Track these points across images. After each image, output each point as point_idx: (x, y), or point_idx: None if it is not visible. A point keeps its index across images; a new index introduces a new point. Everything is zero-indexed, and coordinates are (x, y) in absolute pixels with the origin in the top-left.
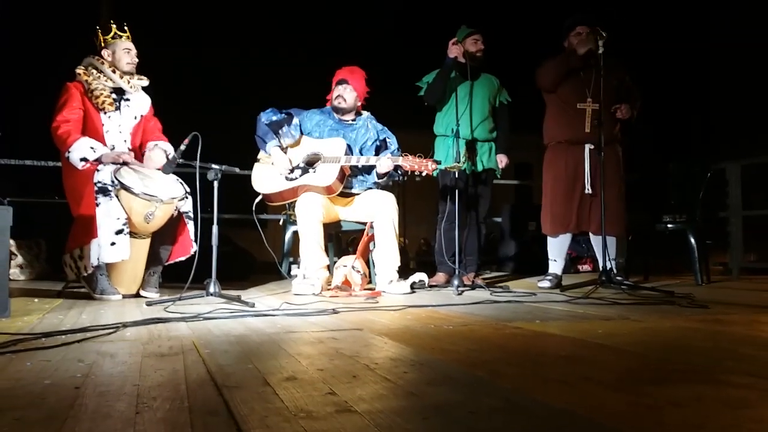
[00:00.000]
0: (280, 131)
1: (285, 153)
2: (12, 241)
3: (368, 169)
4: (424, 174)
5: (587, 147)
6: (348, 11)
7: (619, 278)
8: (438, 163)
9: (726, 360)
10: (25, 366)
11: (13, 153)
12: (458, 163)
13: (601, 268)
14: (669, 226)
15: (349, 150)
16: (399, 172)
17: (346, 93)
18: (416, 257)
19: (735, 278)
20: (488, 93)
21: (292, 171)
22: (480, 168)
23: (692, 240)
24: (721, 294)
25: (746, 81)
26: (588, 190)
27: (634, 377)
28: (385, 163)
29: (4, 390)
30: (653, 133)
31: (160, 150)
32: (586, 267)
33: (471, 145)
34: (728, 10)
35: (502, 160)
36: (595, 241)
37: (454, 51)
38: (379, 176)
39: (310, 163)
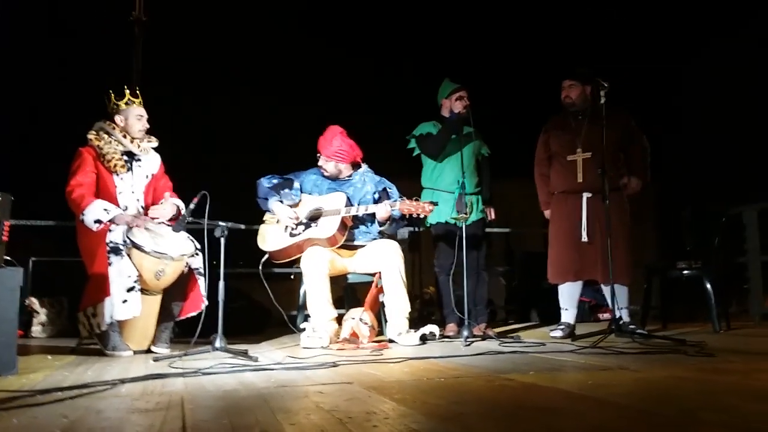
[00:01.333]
0: (281, 192)
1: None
2: (35, 299)
3: (370, 220)
4: (421, 216)
5: (585, 196)
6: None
7: (632, 326)
8: (435, 204)
9: (706, 411)
10: (11, 423)
11: (39, 214)
12: (465, 214)
13: (611, 317)
14: (685, 272)
15: (349, 203)
16: (398, 215)
17: (326, 165)
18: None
19: (757, 324)
20: (473, 147)
21: (295, 227)
22: (473, 219)
23: (708, 286)
24: (735, 341)
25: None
26: (584, 238)
27: (604, 429)
28: (382, 209)
29: None
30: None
31: (172, 204)
32: (606, 315)
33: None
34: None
35: (491, 212)
36: (606, 289)
37: (458, 106)
38: (381, 223)
39: (313, 219)
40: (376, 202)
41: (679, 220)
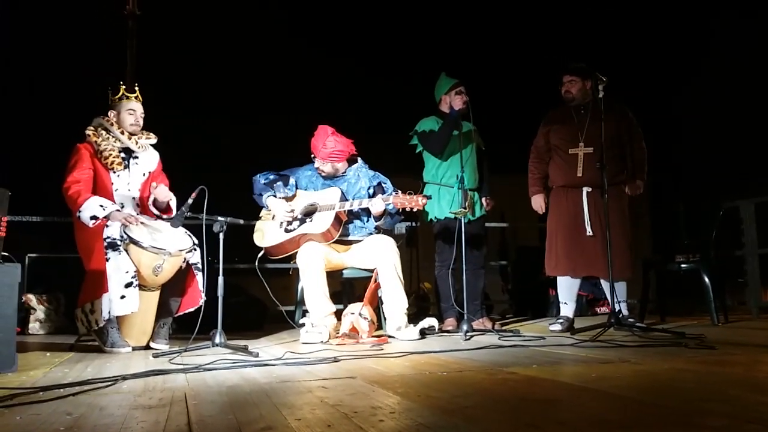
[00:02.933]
0: (275, 185)
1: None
2: (32, 296)
3: (366, 215)
4: (415, 210)
5: (585, 190)
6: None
7: (631, 320)
8: (428, 197)
9: (708, 402)
10: (14, 420)
11: (36, 209)
12: (464, 209)
13: (610, 311)
14: (683, 265)
15: (344, 197)
16: (394, 209)
17: (323, 167)
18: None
19: (755, 317)
20: (473, 142)
21: (290, 223)
22: (476, 215)
23: (706, 279)
24: (734, 334)
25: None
26: (589, 232)
27: (606, 421)
28: (377, 203)
29: None
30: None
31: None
32: (604, 309)
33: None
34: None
35: (489, 203)
36: (604, 283)
37: (458, 102)
38: (376, 218)
39: (308, 214)
40: (371, 196)
41: (676, 214)
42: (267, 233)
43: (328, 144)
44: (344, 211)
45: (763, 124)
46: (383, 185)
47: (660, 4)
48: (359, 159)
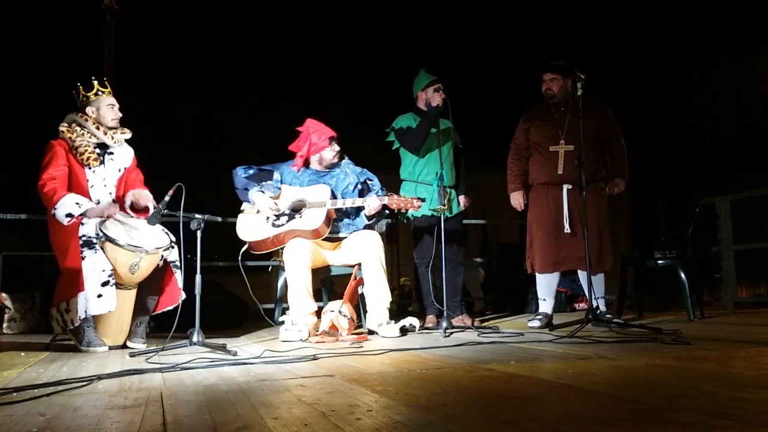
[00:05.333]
0: (264, 183)
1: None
2: (6, 295)
3: (354, 213)
4: (410, 212)
5: (565, 187)
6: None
7: (608, 316)
8: (422, 200)
9: (683, 398)
10: None
11: (13, 207)
12: (443, 206)
13: (587, 307)
14: (659, 262)
15: (333, 195)
16: (386, 211)
17: (325, 155)
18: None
19: (730, 313)
20: (450, 140)
21: (278, 218)
22: (453, 212)
23: (683, 275)
24: (710, 330)
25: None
26: (567, 229)
27: (584, 417)
28: (373, 203)
29: None
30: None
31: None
32: (583, 305)
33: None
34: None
35: (464, 202)
36: (583, 279)
37: (436, 99)
38: (369, 218)
39: (296, 210)
40: (360, 193)
41: (653, 211)
42: (252, 227)
43: (317, 138)
44: (334, 209)
45: (740, 122)
46: (369, 182)
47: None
48: (345, 156)
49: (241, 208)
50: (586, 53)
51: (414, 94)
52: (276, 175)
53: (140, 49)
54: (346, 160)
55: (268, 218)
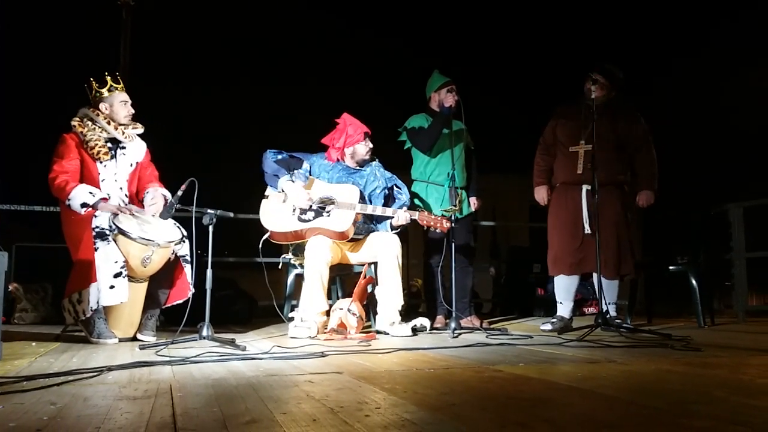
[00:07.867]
0: (295, 171)
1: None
2: (18, 285)
3: (378, 217)
4: (437, 230)
5: (584, 188)
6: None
7: (618, 321)
8: (450, 221)
9: (694, 404)
10: None
11: (24, 199)
12: (454, 206)
13: (597, 311)
14: (671, 268)
15: (362, 197)
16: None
17: (359, 149)
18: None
19: (741, 321)
20: (463, 141)
21: (304, 212)
22: (464, 213)
23: (694, 282)
24: (721, 337)
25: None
26: (587, 230)
27: (593, 420)
28: (402, 217)
29: None
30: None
31: (160, 195)
32: (592, 309)
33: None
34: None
35: (475, 203)
36: (596, 283)
37: (449, 100)
38: (394, 227)
39: (323, 206)
40: (385, 198)
41: (666, 218)
42: (277, 216)
43: (354, 130)
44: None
45: (754, 130)
46: (397, 189)
47: (656, 6)
48: (376, 158)
49: (266, 194)
50: (599, 54)
51: (427, 95)
52: (305, 165)
53: (156, 43)
54: (376, 162)
55: (294, 210)
